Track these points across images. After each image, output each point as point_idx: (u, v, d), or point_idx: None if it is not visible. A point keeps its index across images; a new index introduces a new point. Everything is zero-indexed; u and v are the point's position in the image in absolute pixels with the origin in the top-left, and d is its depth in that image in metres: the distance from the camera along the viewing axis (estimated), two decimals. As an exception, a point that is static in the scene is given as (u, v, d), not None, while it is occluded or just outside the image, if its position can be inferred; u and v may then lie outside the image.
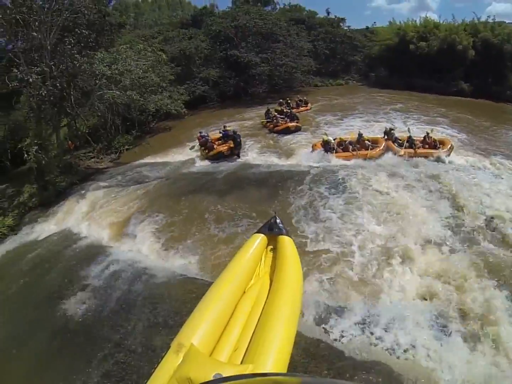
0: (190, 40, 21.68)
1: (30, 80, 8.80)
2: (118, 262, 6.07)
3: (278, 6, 32.97)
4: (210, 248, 6.02)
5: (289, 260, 3.33)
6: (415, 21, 24.55)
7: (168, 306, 4.82)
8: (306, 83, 24.61)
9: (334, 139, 9.95)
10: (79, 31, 10.15)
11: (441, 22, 23.41)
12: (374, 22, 42.29)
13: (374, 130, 12.08)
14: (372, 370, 3.56)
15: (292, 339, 2.57)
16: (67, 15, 9.85)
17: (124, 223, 7.41)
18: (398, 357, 3.69)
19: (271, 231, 3.70)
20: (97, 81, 10.71)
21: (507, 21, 23.09)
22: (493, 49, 19.99)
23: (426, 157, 9.36)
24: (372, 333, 3.99)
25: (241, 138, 10.98)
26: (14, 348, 4.70)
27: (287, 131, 12.79)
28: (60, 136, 11.51)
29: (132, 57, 11.94)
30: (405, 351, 3.74)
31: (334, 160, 9.33)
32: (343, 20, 29.98)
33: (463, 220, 6.19)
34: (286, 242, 3.55)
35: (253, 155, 11.00)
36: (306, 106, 17.14)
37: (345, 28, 29.93)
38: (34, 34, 9.13)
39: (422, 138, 9.96)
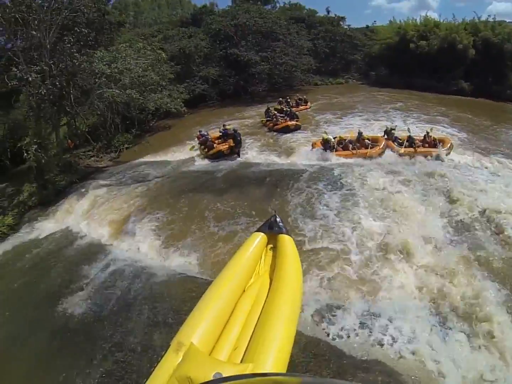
0: (190, 39, 21.62)
1: (30, 79, 8.77)
2: (118, 261, 6.08)
3: (278, 5, 32.99)
4: (210, 246, 6.03)
5: (289, 259, 3.33)
6: (416, 20, 24.51)
7: (167, 304, 4.81)
8: (306, 82, 24.56)
9: (334, 138, 9.93)
10: (78, 30, 10.12)
11: (442, 21, 23.38)
12: (374, 21, 42.48)
13: (374, 129, 12.07)
14: (372, 369, 3.55)
15: (292, 338, 2.56)
16: (67, 14, 9.81)
17: (124, 222, 7.41)
18: (398, 356, 3.69)
19: (271, 229, 3.70)
20: (96, 80, 10.68)
21: (507, 20, 23.01)
22: (494, 48, 19.92)
23: (426, 156, 9.38)
24: (371, 332, 3.99)
25: (241, 137, 10.96)
26: (14, 348, 4.69)
27: (287, 129, 12.77)
28: (59, 135, 11.48)
29: (131, 56, 11.88)
30: (405, 349, 3.74)
31: (334, 159, 9.33)
32: (343, 18, 29.95)
33: (460, 214, 6.24)
34: (286, 241, 3.55)
35: (253, 153, 10.99)
36: (306, 105, 17.14)
37: (345, 27, 29.90)
38: (34, 32, 9.11)
39: (422, 137, 9.97)
